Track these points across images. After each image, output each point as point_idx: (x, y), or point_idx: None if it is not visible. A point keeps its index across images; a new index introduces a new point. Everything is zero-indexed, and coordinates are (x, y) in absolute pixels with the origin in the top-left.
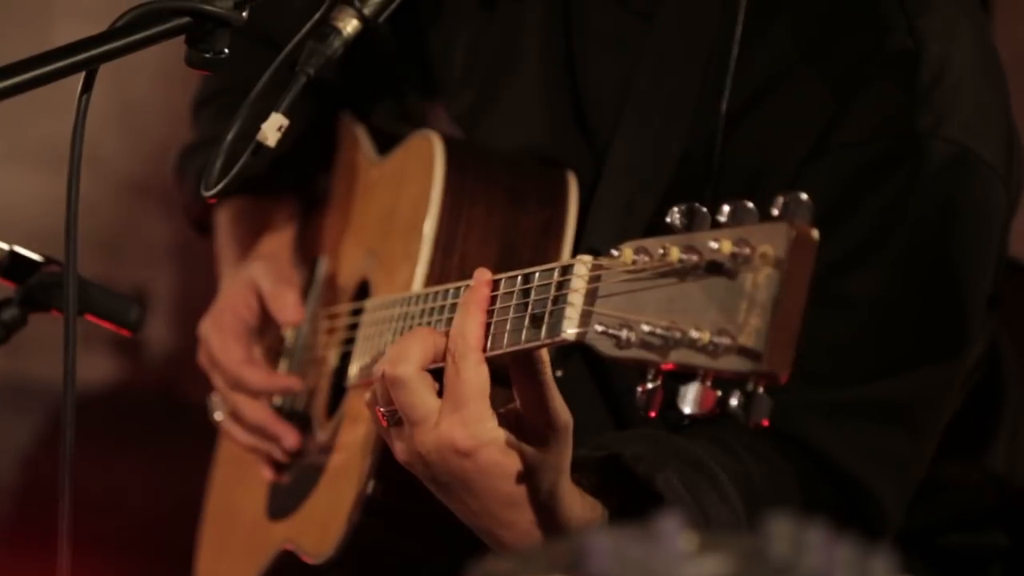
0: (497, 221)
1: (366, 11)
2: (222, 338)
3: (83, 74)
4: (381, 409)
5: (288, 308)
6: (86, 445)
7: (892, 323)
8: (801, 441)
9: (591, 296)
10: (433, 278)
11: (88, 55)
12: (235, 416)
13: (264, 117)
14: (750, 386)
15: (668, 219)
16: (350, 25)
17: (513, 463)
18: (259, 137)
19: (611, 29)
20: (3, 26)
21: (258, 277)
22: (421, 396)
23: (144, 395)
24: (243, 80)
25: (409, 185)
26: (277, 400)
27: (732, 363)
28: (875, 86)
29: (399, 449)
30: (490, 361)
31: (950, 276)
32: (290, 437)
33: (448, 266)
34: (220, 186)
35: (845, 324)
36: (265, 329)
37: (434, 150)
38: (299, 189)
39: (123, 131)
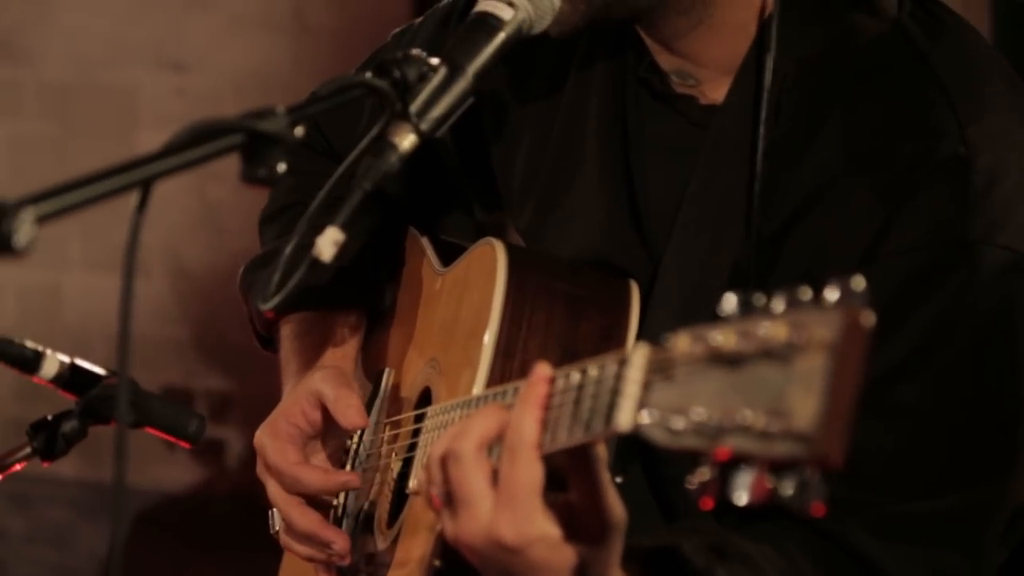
0: (558, 328)
1: (423, 126)
2: (278, 444)
3: (139, 190)
4: (436, 488)
5: (351, 412)
6: (163, 548)
7: (945, 435)
8: (853, 552)
9: (647, 386)
10: (494, 383)
11: (143, 173)
12: (289, 526)
13: (319, 232)
14: (804, 473)
15: (724, 306)
16: (407, 140)
17: (562, 559)
18: (315, 252)
19: (667, 137)
20: (92, 134)
21: (319, 385)
22: (473, 477)
23: (221, 499)
24: (309, 196)
25: (472, 292)
26: (338, 507)
27: (785, 448)
28: (926, 193)
29: (449, 530)
30: (546, 458)
31: (1004, 387)
32: (340, 541)
33: (508, 371)
34: (276, 299)
35: (898, 435)
36: (326, 439)
37: (497, 257)
38: (364, 303)
39: (206, 236)
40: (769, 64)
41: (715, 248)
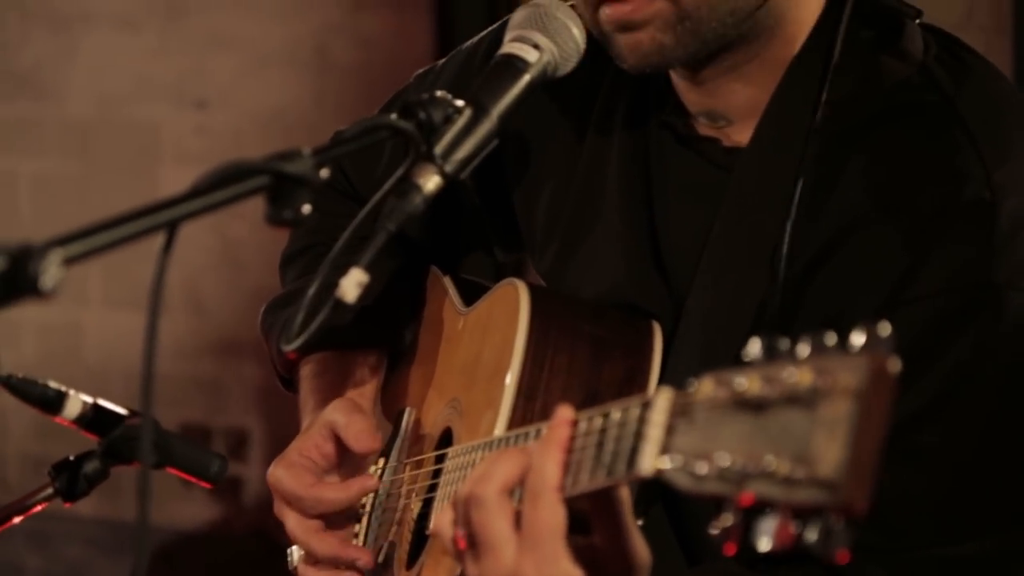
0: (580, 369)
1: (447, 168)
2: (292, 472)
3: (165, 232)
4: (460, 531)
5: (363, 436)
6: None
7: (970, 480)
8: None
9: (670, 430)
10: (515, 424)
11: (169, 215)
12: (310, 557)
13: (343, 272)
14: (829, 520)
15: (749, 350)
16: (431, 182)
17: None
18: (338, 293)
19: (690, 180)
20: (114, 171)
21: (330, 415)
22: (496, 520)
23: (238, 537)
24: (330, 236)
25: (494, 333)
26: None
27: (809, 495)
28: (951, 238)
29: (472, 574)
30: (569, 501)
31: None
32: (365, 557)
33: (530, 412)
34: (300, 340)
35: (922, 480)
36: (343, 474)
37: (520, 298)
38: (384, 342)
39: (226, 273)
40: (796, 107)
41: (740, 291)
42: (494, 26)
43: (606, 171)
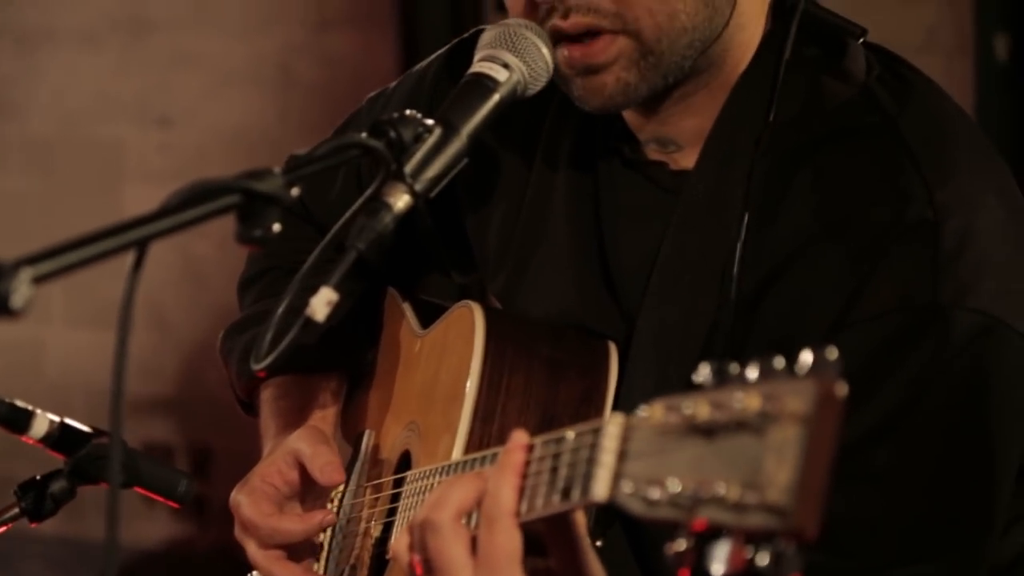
0: (537, 390)
1: (417, 187)
2: (252, 499)
3: (135, 251)
4: (416, 556)
5: (329, 469)
6: None
7: (921, 501)
8: None
9: (622, 456)
10: (473, 447)
11: (138, 234)
12: None
13: (311, 292)
14: (779, 544)
15: (698, 377)
16: (401, 200)
17: None
18: (308, 312)
19: (638, 203)
20: (78, 189)
21: (296, 443)
22: (452, 546)
23: (201, 556)
24: (287, 260)
25: (450, 356)
26: (319, 570)
27: (760, 520)
28: (896, 259)
29: None
30: (524, 525)
31: (978, 451)
32: None
33: (487, 435)
34: (269, 359)
35: (873, 501)
36: (305, 500)
37: (475, 320)
38: (344, 365)
39: (189, 291)
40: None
41: (690, 312)
42: (442, 50)
43: (554, 195)
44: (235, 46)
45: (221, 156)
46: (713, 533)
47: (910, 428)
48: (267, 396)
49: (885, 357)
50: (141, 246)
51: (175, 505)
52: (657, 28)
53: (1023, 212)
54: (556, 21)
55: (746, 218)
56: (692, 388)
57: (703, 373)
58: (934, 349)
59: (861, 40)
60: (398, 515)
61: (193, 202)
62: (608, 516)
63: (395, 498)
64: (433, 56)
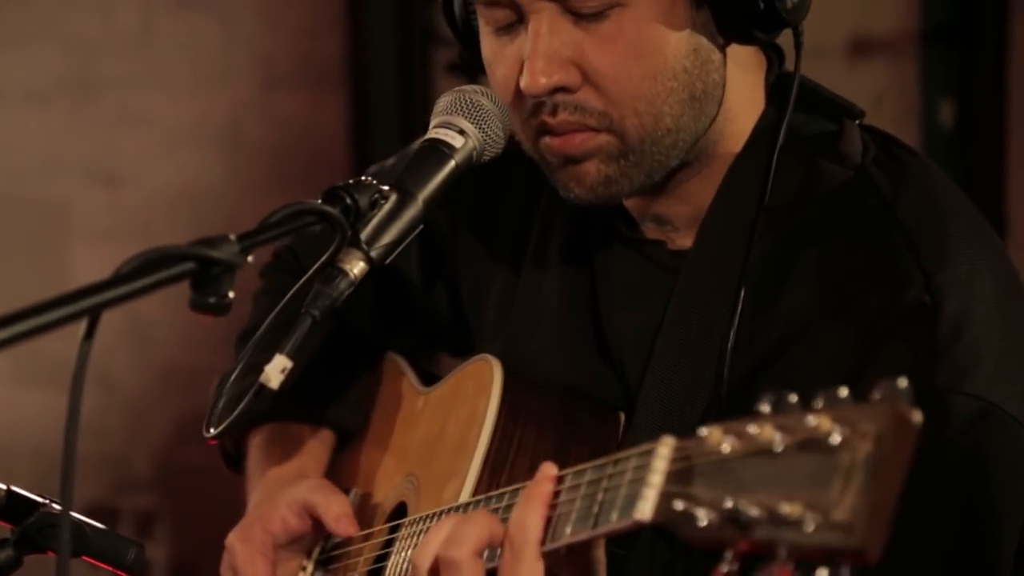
0: (547, 447)
1: (373, 253)
2: (249, 551)
3: (86, 320)
4: None
5: (344, 520)
6: None
7: None
8: None
9: (673, 477)
10: (479, 495)
11: (91, 302)
12: None
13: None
14: (836, 567)
15: (759, 406)
16: (357, 267)
17: None
18: (262, 379)
19: (636, 281)
20: (24, 248)
21: (307, 494)
22: None
23: None
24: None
25: (461, 406)
26: None
27: (824, 538)
28: (893, 342)
29: None
30: (547, 555)
31: (977, 537)
32: None
33: (495, 486)
34: (223, 427)
35: None
36: (293, 545)
37: (493, 371)
38: (334, 422)
39: (134, 350)
40: (737, 212)
41: (689, 389)
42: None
43: (551, 269)
44: (184, 105)
45: (169, 215)
46: (760, 557)
47: (906, 513)
48: (258, 441)
49: None
50: (93, 315)
51: (124, 574)
52: (641, 128)
53: (1018, 292)
54: (544, 118)
55: (741, 300)
56: (752, 415)
57: (764, 404)
58: (930, 434)
59: (858, 121)
60: (392, 557)
61: (147, 270)
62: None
63: (387, 544)
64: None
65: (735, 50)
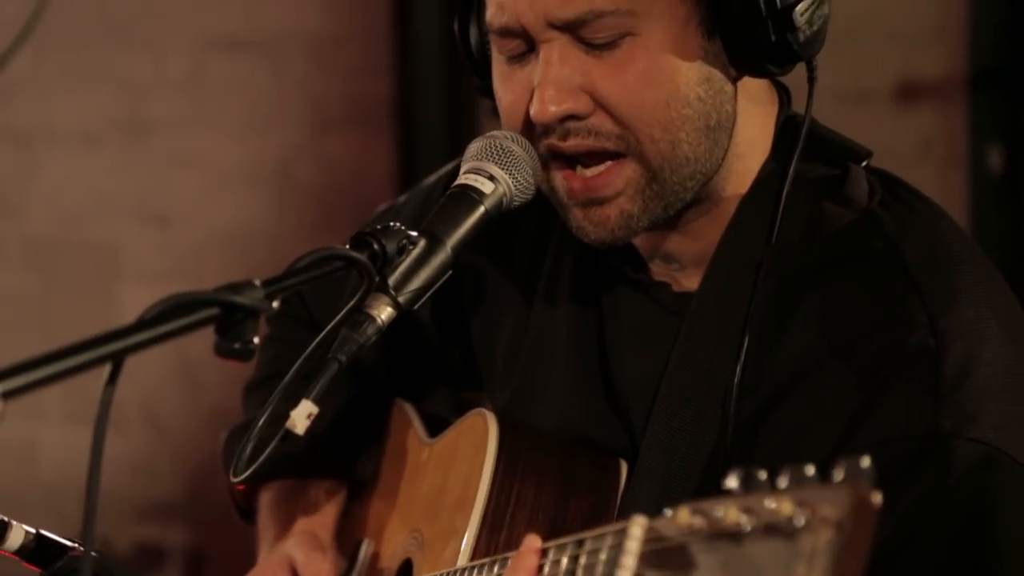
0: (546, 502)
1: (401, 299)
2: None
3: (109, 365)
4: None
5: None
6: None
7: None
8: None
9: (645, 559)
10: (479, 555)
11: (115, 348)
12: None
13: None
14: None
15: (726, 482)
16: (384, 313)
17: None
18: (288, 424)
19: (642, 324)
20: (75, 288)
21: (291, 550)
22: None
23: None
24: (292, 366)
25: (460, 463)
26: None
27: None
28: (897, 386)
29: None
30: None
31: None
32: None
33: (495, 543)
34: (248, 472)
35: None
36: None
37: (488, 428)
38: (343, 473)
39: (183, 392)
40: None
41: (694, 432)
42: (452, 163)
43: (559, 312)
44: (233, 147)
45: (218, 256)
46: None
47: (910, 559)
48: (266, 500)
49: (886, 486)
50: (117, 360)
51: None
52: (660, 155)
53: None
54: (554, 141)
55: (746, 341)
56: (719, 495)
57: (732, 479)
58: (934, 479)
59: (865, 163)
60: None
61: (171, 315)
62: None
63: None
64: (442, 170)
65: (747, 84)
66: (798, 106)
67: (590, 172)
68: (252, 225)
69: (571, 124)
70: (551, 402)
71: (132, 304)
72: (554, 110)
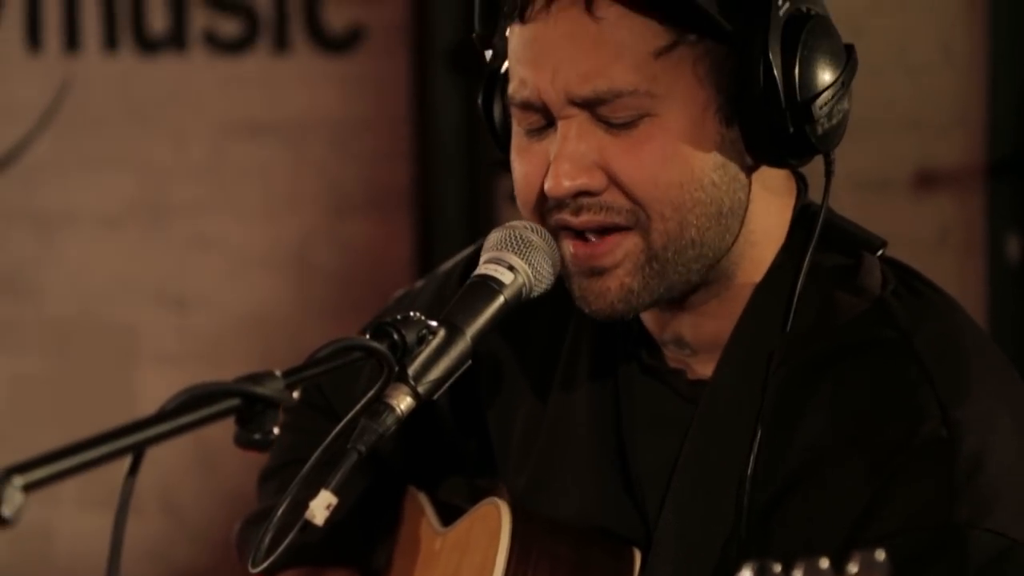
0: None
1: (421, 389)
2: None
3: (131, 456)
4: None
5: None
6: None
7: None
8: None
9: None
10: None
11: (135, 439)
12: None
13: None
14: None
15: (740, 574)
16: (404, 403)
17: None
18: (307, 515)
19: (657, 411)
20: (92, 371)
21: None
22: None
23: None
24: (308, 453)
25: (473, 553)
26: None
27: None
28: (910, 477)
29: None
30: None
31: None
32: None
33: None
34: (267, 562)
35: None
36: None
37: (501, 517)
38: (357, 563)
39: (201, 477)
40: (756, 343)
41: (708, 520)
42: (469, 249)
43: (577, 398)
44: (253, 231)
45: (236, 340)
46: None
47: None
48: None
49: None
50: (137, 451)
51: None
52: (666, 234)
53: None
54: (566, 216)
55: (759, 434)
56: None
57: (746, 571)
58: (952, 570)
59: (880, 253)
60: None
61: (192, 406)
62: None
63: None
64: (459, 256)
65: (764, 173)
66: (815, 194)
67: (595, 238)
68: (270, 309)
69: (584, 200)
70: (567, 489)
71: (149, 387)
72: (568, 185)
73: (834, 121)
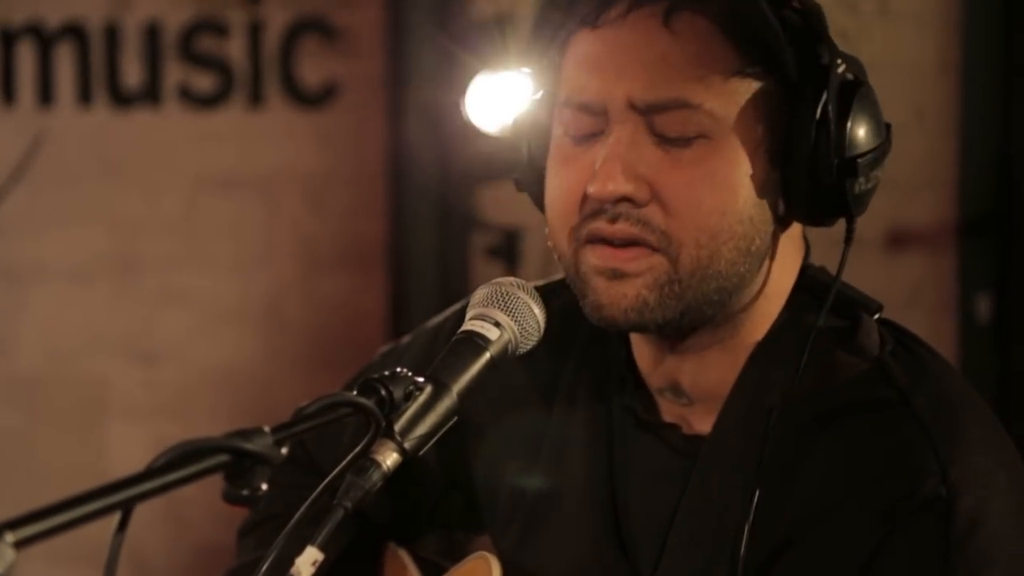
0: None
1: (407, 445)
2: None
3: (119, 513)
4: None
5: None
6: None
7: None
8: None
9: None
10: None
11: (124, 496)
12: None
13: (303, 549)
14: None
15: None
16: (390, 459)
17: None
18: (293, 572)
19: (652, 466)
20: (61, 425)
21: None
22: None
23: None
24: (289, 507)
25: None
26: None
27: None
28: (909, 533)
29: None
30: None
31: None
32: None
33: None
34: None
35: None
36: None
37: (491, 572)
38: None
39: (167, 529)
40: (755, 401)
41: (707, 573)
42: (458, 305)
43: (569, 452)
44: (225, 285)
45: (207, 394)
46: None
47: None
48: None
49: None
50: (126, 508)
51: None
52: (696, 261)
53: None
54: (601, 224)
55: (757, 494)
56: None
57: None
58: None
59: (877, 316)
60: None
61: (181, 463)
62: None
63: None
64: (447, 312)
65: (788, 230)
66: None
67: (622, 247)
68: (242, 364)
69: (624, 208)
70: (559, 542)
71: (119, 441)
72: (612, 188)
73: (869, 185)
